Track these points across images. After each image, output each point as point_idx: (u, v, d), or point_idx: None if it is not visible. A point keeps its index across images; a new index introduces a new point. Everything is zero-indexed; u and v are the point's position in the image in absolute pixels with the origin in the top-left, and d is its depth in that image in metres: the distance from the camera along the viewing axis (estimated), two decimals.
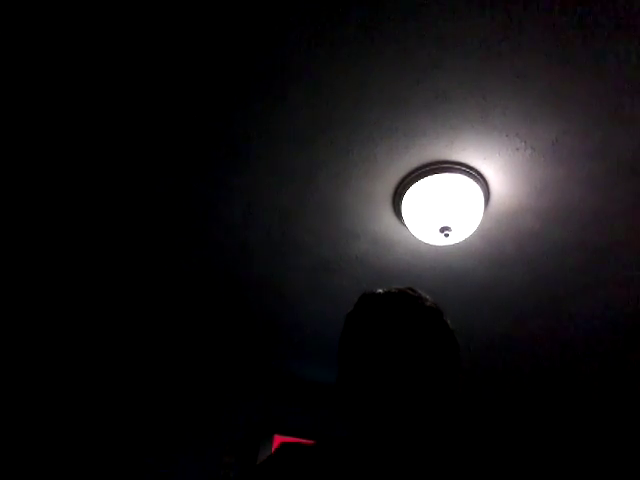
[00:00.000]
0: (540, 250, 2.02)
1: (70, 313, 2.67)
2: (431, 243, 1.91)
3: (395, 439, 0.70)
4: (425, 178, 1.73)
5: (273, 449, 0.77)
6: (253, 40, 1.38)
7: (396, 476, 0.69)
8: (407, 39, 1.35)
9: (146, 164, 1.78)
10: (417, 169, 1.72)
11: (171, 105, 1.57)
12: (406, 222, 1.88)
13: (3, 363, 2.65)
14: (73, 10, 1.32)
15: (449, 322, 0.80)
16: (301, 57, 1.41)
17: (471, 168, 1.70)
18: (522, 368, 2.89)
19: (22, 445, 2.53)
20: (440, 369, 0.74)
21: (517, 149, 1.62)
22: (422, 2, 1.27)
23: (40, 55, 1.43)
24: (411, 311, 0.77)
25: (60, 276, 2.38)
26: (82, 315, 2.69)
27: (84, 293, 2.51)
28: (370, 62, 1.42)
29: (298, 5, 1.29)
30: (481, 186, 1.74)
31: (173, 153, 1.73)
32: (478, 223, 1.84)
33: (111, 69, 1.47)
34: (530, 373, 2.94)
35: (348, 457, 0.72)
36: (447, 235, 1.79)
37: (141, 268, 2.31)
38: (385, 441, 0.71)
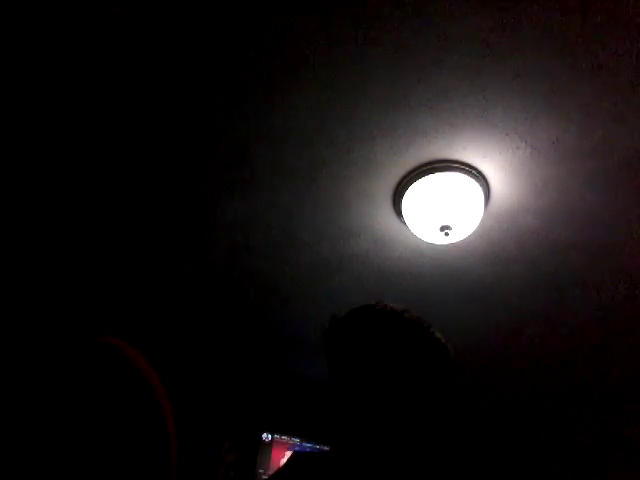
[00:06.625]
0: (540, 249, 2.02)
1: (72, 314, 2.67)
2: (431, 242, 1.91)
3: (401, 447, 0.71)
4: (425, 177, 1.73)
5: (272, 450, 0.76)
6: (253, 39, 1.38)
7: None
8: (408, 38, 1.35)
9: (146, 163, 1.77)
10: (417, 168, 1.72)
11: (172, 105, 1.57)
12: (406, 221, 1.88)
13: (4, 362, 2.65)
14: (72, 18, 1.32)
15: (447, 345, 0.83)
16: (301, 56, 1.41)
17: (471, 167, 1.70)
18: (522, 367, 2.89)
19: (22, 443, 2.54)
20: (437, 383, 0.77)
21: (517, 148, 1.62)
22: (423, 1, 1.26)
23: (39, 62, 1.43)
24: (420, 339, 0.82)
25: (60, 277, 2.38)
26: (84, 315, 2.69)
27: (85, 294, 2.51)
28: (370, 61, 1.41)
29: (298, 4, 1.29)
30: (481, 185, 1.74)
31: (173, 153, 1.73)
32: (478, 222, 1.83)
33: (110, 67, 1.46)
34: (530, 372, 2.94)
35: (360, 466, 0.71)
36: (447, 234, 1.79)
37: (141, 267, 2.31)
38: (392, 449, 0.71)
